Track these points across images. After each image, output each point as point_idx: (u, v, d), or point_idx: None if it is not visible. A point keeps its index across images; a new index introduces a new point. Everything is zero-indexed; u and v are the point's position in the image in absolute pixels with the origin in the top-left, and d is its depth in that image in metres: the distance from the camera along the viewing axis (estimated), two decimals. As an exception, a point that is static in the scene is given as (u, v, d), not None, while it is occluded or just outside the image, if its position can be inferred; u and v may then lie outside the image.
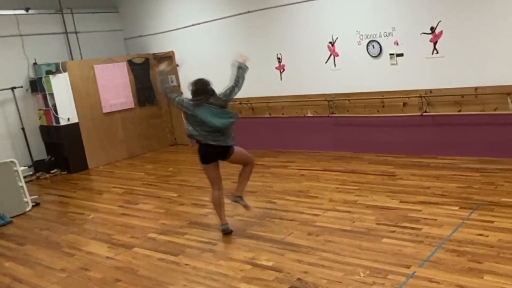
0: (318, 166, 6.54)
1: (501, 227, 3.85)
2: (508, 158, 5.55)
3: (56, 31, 8.85)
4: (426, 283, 3.18)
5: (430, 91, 6.06)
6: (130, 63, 9.05)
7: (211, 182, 4.54)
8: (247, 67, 4.52)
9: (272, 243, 4.20)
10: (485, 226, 3.91)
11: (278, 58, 7.52)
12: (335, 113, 7.05)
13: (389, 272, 3.39)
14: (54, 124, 8.20)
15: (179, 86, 9.19)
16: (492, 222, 3.97)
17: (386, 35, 6.26)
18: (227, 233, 4.52)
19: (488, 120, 5.67)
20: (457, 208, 4.38)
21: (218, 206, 4.54)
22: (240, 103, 8.10)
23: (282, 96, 7.59)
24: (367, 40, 6.45)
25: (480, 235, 3.77)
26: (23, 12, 8.32)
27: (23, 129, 8.20)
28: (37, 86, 8.27)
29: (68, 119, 8.19)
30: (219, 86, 8.93)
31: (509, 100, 5.49)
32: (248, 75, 7.88)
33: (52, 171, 8.42)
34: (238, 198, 4.66)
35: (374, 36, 6.37)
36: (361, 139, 6.85)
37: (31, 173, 8.18)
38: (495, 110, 5.61)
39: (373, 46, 6.41)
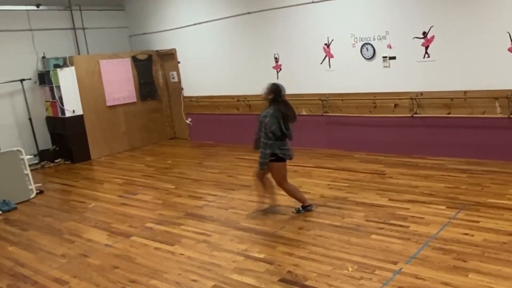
0: (310, 163, 6.46)
1: (486, 227, 3.78)
2: (494, 160, 5.47)
3: (64, 27, 8.79)
4: (412, 280, 3.11)
5: (421, 93, 5.98)
6: (134, 59, 8.97)
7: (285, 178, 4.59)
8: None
9: (264, 236, 4.13)
10: (471, 225, 3.84)
11: (275, 58, 7.42)
12: (328, 112, 6.96)
13: (376, 267, 3.33)
14: (60, 115, 8.14)
15: (179, 82, 9.10)
16: (478, 222, 3.90)
17: (380, 38, 6.17)
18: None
19: (476, 123, 5.60)
20: (444, 207, 4.31)
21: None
22: (238, 100, 8.02)
23: (278, 94, 7.49)
24: (361, 43, 6.35)
25: (466, 234, 3.69)
26: (34, 8, 8.27)
27: (30, 119, 8.13)
28: (45, 78, 8.21)
29: (73, 111, 8.11)
30: (219, 83, 8.87)
31: (497, 104, 5.41)
32: (245, 73, 7.90)
33: (56, 161, 8.34)
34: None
35: (368, 39, 6.28)
36: (353, 138, 6.77)
37: (36, 161, 8.10)
38: (483, 113, 5.53)
39: (367, 49, 6.32)
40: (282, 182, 4.54)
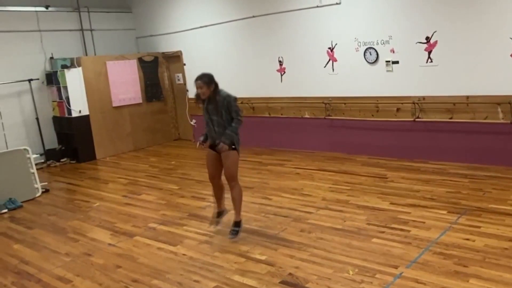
0: (313, 165, 6.43)
1: (487, 233, 3.73)
2: (496, 165, 5.42)
3: (72, 28, 8.81)
4: (412, 284, 3.07)
5: (423, 98, 5.93)
6: (140, 60, 8.98)
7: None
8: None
9: (266, 238, 4.10)
10: (472, 231, 3.80)
11: (280, 61, 7.40)
12: (331, 116, 6.93)
13: (377, 271, 3.29)
14: (67, 115, 8.15)
15: (185, 84, 9.09)
16: (479, 227, 3.85)
17: (383, 43, 6.14)
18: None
19: (478, 128, 5.55)
20: (445, 212, 4.26)
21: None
22: (242, 102, 7.98)
23: (281, 97, 7.49)
24: (365, 47, 6.32)
25: (467, 239, 3.65)
26: (43, 9, 8.31)
27: (37, 119, 8.14)
28: (52, 79, 8.23)
29: (80, 111, 8.13)
30: (223, 85, 8.84)
31: (499, 110, 5.36)
32: (250, 76, 7.89)
33: (62, 160, 8.34)
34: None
35: (372, 43, 6.25)
36: (355, 141, 6.73)
37: (42, 160, 8.11)
38: (485, 118, 5.48)
39: (370, 53, 6.28)
40: (236, 176, 4.06)
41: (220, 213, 4.42)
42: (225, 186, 4.32)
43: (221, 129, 4.04)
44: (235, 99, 4.05)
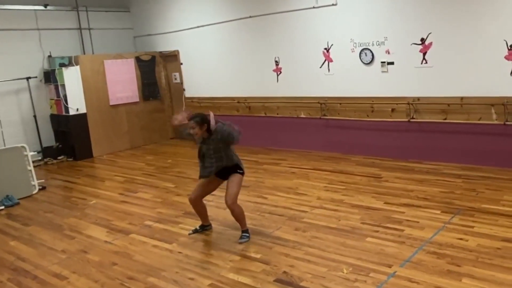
0: (308, 165, 6.41)
1: (480, 233, 3.72)
2: (489, 166, 5.42)
3: (71, 27, 8.77)
4: (406, 283, 3.06)
5: (418, 98, 5.93)
6: (138, 59, 8.93)
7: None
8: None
9: (261, 236, 4.08)
10: (465, 230, 3.79)
11: (276, 61, 7.38)
12: (326, 116, 6.91)
13: (371, 270, 3.28)
14: (64, 113, 8.09)
15: (181, 83, 9.05)
16: (472, 227, 3.85)
17: (379, 44, 6.12)
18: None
19: (472, 129, 5.54)
20: (439, 212, 4.25)
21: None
22: (238, 102, 7.97)
23: (277, 97, 7.46)
24: (360, 48, 6.31)
25: (460, 239, 3.64)
26: (41, 8, 8.27)
27: (35, 116, 8.08)
28: (50, 77, 8.17)
29: (77, 110, 8.07)
30: (220, 84, 8.81)
31: (493, 111, 5.35)
32: (246, 76, 7.88)
33: (59, 158, 8.29)
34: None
35: (367, 44, 6.23)
36: (350, 141, 6.72)
37: (39, 158, 8.05)
38: (479, 119, 5.48)
39: (365, 54, 6.27)
40: (237, 198, 4.03)
41: (204, 226, 4.36)
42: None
43: (218, 155, 3.98)
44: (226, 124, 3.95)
